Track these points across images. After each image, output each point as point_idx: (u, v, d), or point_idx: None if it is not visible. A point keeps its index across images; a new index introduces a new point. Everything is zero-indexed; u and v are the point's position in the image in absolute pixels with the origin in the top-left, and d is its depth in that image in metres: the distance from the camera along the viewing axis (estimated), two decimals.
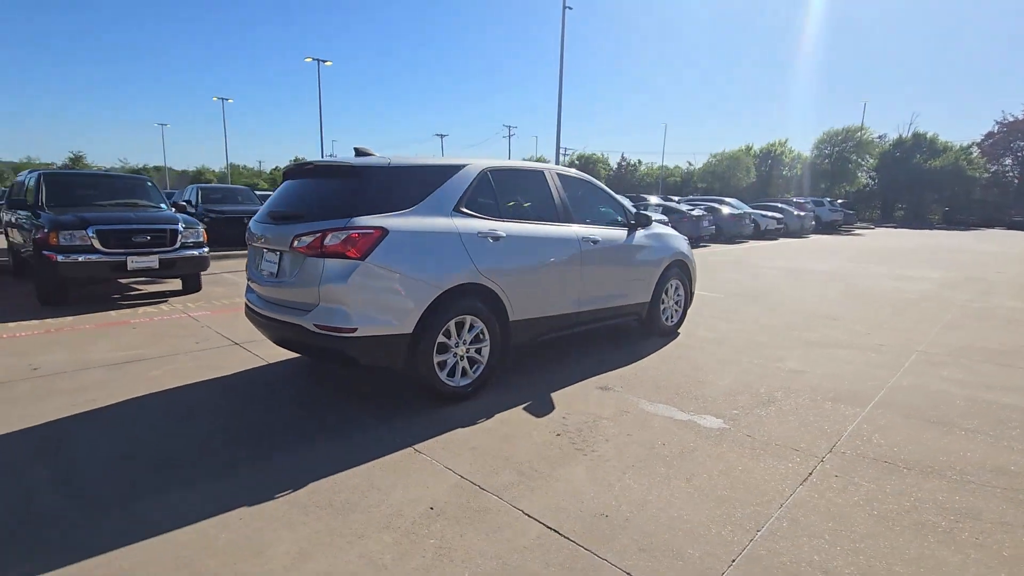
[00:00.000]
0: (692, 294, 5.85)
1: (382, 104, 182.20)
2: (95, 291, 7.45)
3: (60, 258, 6.18)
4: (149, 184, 8.22)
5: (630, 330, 5.66)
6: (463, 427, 3.27)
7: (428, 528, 2.26)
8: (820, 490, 2.60)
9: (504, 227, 3.84)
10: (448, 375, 3.57)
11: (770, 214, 21.76)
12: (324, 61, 34.06)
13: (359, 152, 3.82)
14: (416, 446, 3.01)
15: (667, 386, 4.03)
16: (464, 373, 3.66)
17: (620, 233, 4.83)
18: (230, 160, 56.84)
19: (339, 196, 3.37)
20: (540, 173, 4.36)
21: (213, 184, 21.24)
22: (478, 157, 4.04)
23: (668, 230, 5.58)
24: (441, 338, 3.48)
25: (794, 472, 2.77)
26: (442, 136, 62.72)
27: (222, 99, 45.86)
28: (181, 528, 2.24)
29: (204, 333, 5.37)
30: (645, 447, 3.04)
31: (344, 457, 2.86)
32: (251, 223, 3.91)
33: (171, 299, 7.08)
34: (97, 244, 6.35)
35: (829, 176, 40.37)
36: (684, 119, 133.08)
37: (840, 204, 30.01)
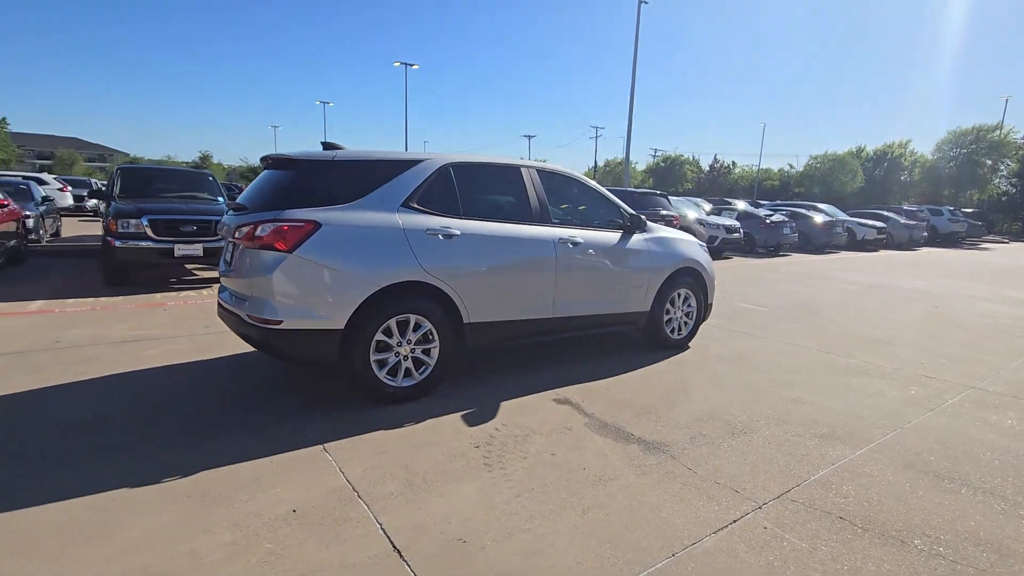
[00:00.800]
0: (708, 306, 5.33)
1: (474, 107, 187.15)
2: (158, 274, 8.19)
3: (118, 244, 6.86)
4: (211, 178, 8.93)
5: (631, 341, 5.27)
6: (386, 429, 3.16)
7: (275, 532, 2.18)
8: (733, 542, 2.21)
9: (461, 225, 3.68)
10: (390, 375, 3.48)
11: (869, 222, 19.58)
12: (411, 65, 35.45)
13: (326, 146, 3.83)
14: (327, 444, 2.95)
15: (633, 405, 3.67)
16: (408, 374, 3.55)
17: (610, 236, 4.49)
18: None
19: (281, 188, 3.40)
20: (515, 170, 4.15)
21: None
22: (444, 152, 3.91)
23: (678, 234, 5.12)
24: (380, 336, 3.40)
25: (716, 517, 2.39)
26: (529, 137, 63.02)
27: (323, 103, 49.20)
28: (56, 502, 2.33)
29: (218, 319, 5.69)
30: (561, 470, 2.76)
31: (252, 449, 2.86)
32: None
33: (215, 285, 7.63)
34: (149, 232, 6.98)
35: (953, 182, 35.59)
36: (787, 119, 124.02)
37: (965, 213, 26.37)
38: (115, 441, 2.93)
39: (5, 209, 7.42)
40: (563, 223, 4.28)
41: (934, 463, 2.98)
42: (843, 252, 17.80)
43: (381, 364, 3.45)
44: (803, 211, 18.33)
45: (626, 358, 4.74)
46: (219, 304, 3.86)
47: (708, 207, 17.71)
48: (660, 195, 12.96)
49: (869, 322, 6.69)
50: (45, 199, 12.11)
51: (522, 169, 4.17)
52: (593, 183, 4.70)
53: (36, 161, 73.25)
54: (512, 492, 2.54)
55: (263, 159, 3.83)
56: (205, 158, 64.04)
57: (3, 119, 38.51)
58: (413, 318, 3.50)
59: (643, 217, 4.72)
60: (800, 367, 4.69)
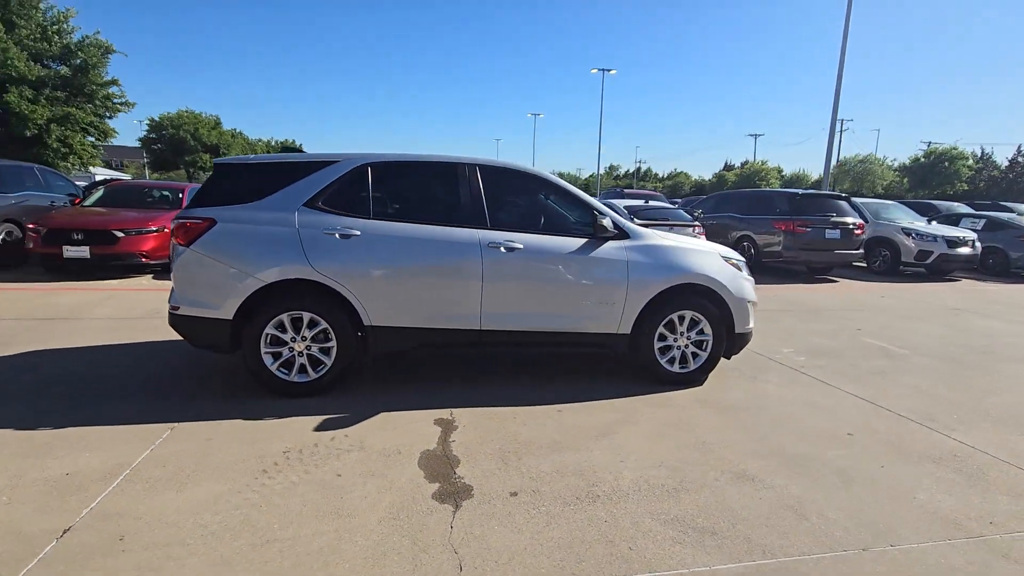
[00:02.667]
0: (739, 336, 4.15)
1: (695, 106, 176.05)
2: None
3: None
4: None
5: (631, 369, 4.40)
6: (244, 419, 3.26)
7: (19, 491, 2.43)
8: None
9: (365, 225, 3.58)
10: (284, 368, 3.57)
11: None
12: (608, 70, 35.25)
13: (285, 149, 4.11)
14: (180, 424, 3.16)
15: (514, 439, 3.10)
16: (303, 370, 3.60)
17: (568, 242, 3.83)
18: (553, 169, 64.45)
19: (206, 189, 3.75)
20: (449, 168, 3.83)
21: None
22: (369, 150, 3.83)
23: (684, 243, 4.09)
24: (272, 330, 3.51)
25: None
26: (756, 136, 56.99)
27: (534, 115, 52.15)
28: None
29: None
30: (320, 493, 2.49)
31: (137, 414, 3.22)
32: None
33: None
34: None
35: None
36: None
37: None
38: (32, 401, 3.44)
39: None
40: (505, 226, 3.81)
41: None
42: None
43: (276, 357, 3.56)
44: None
45: (604, 385, 4.00)
46: None
47: (964, 212, 13.86)
48: (838, 197, 10.45)
49: None
50: None
51: (459, 167, 3.84)
52: (561, 182, 4.07)
53: None
54: (237, 503, 2.39)
55: None
56: None
57: (295, 142, 50.12)
58: (307, 316, 3.53)
59: (620, 221, 3.92)
60: (829, 434, 3.35)
